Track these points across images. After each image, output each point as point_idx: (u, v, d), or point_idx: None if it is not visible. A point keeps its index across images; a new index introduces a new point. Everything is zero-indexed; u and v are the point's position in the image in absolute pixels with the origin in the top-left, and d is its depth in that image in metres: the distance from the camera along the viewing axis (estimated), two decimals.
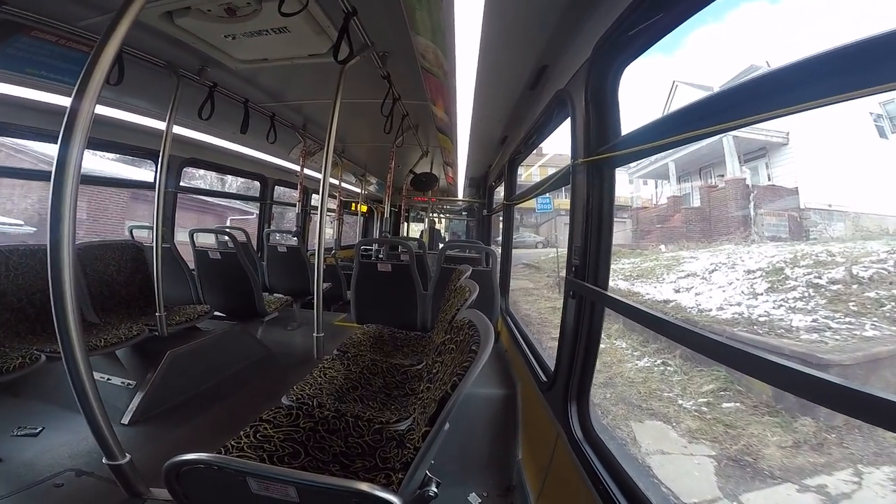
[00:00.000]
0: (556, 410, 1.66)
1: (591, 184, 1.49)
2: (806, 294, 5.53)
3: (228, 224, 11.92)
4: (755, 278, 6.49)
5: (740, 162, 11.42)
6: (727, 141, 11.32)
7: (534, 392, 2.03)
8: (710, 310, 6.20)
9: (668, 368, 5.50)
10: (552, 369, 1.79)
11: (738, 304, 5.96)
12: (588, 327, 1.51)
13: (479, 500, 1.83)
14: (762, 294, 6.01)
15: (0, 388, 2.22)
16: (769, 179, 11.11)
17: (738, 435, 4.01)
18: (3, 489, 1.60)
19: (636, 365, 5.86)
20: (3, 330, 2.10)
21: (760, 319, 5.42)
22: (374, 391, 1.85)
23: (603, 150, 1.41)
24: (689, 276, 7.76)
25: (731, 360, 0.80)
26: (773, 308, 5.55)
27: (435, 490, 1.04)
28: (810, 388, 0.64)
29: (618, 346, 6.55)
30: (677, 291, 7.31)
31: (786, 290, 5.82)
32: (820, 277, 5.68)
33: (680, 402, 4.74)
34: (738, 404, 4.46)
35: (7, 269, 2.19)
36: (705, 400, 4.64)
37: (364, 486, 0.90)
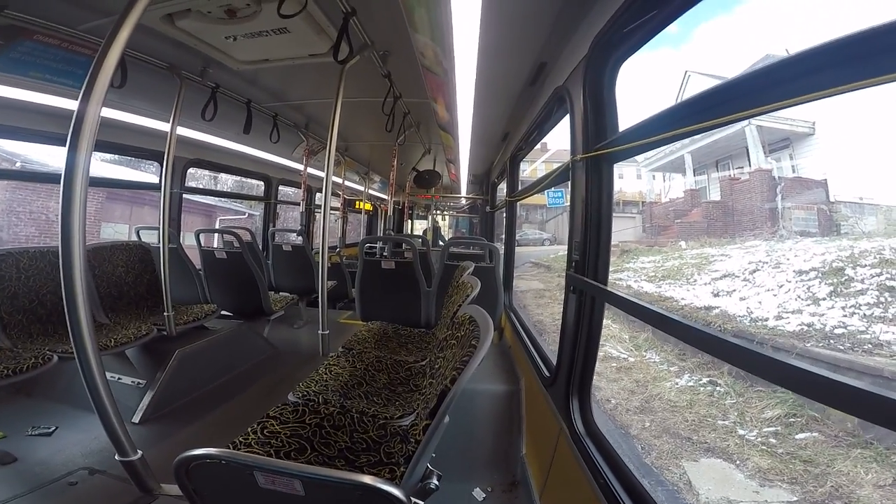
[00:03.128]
0: (558, 405, 1.67)
1: (590, 179, 1.49)
2: (882, 299, 4.61)
3: (218, 224, 11.97)
4: (810, 280, 5.49)
5: (765, 153, 10.67)
6: (750, 131, 10.64)
7: (537, 387, 2.04)
8: (766, 319, 5.19)
9: (718, 389, 4.60)
10: (554, 364, 1.81)
11: (800, 312, 5.02)
12: (589, 322, 1.52)
13: (484, 496, 1.84)
14: (825, 299, 5.04)
15: (14, 389, 2.28)
16: (794, 171, 10.35)
17: (822, 474, 3.31)
18: (20, 487, 1.64)
19: (676, 384, 4.94)
20: (16, 331, 2.15)
21: (836, 332, 4.47)
22: (378, 387, 1.86)
23: (601, 145, 1.42)
24: (725, 276, 6.66)
25: (735, 357, 0.77)
26: (846, 317, 4.62)
27: (436, 483, 1.06)
28: (823, 391, 0.58)
29: (650, 360, 5.54)
30: (716, 295, 6.26)
31: (853, 294, 4.87)
32: (894, 279, 4.78)
33: (740, 432, 3.94)
34: (815, 434, 3.69)
35: (18, 270, 2.23)
36: (772, 429, 3.88)
37: (367, 479, 0.91)
